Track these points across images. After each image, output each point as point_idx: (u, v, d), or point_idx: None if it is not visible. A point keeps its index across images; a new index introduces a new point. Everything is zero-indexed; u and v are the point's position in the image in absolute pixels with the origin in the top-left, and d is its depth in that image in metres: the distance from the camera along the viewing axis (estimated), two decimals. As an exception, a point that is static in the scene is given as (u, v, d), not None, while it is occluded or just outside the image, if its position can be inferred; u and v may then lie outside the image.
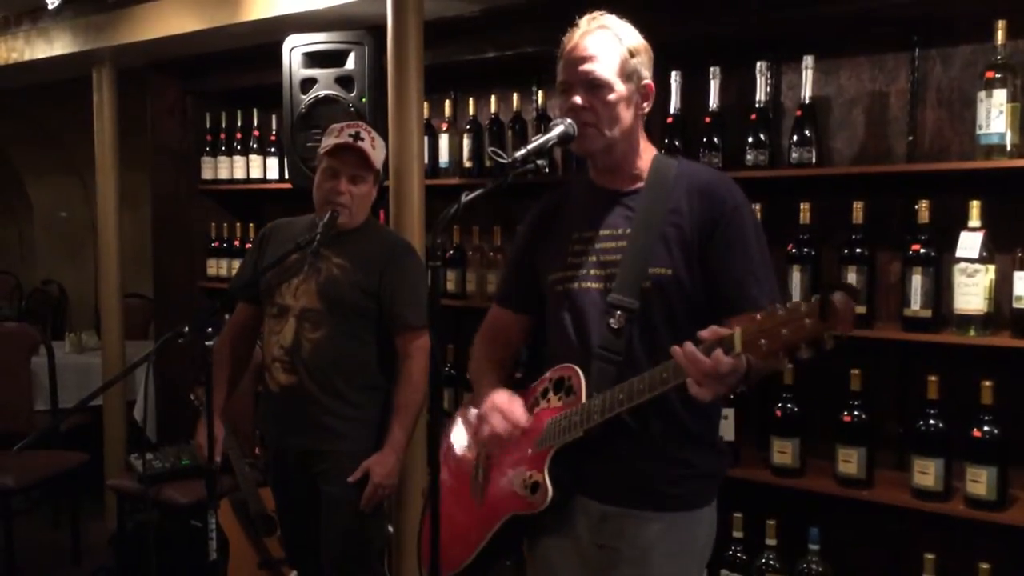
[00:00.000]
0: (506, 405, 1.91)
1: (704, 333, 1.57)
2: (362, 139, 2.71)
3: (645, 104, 1.92)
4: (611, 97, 1.85)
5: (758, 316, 1.48)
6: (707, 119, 3.12)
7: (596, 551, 1.93)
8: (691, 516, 1.91)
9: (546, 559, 2.00)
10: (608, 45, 1.86)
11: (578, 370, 1.87)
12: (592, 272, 1.91)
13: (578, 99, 1.85)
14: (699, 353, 1.55)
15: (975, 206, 2.63)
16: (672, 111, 3.18)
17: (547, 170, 1.87)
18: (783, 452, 2.94)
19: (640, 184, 1.92)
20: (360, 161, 2.72)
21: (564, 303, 1.94)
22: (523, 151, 1.77)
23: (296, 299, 2.72)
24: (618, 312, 1.84)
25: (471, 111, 3.81)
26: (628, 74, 1.87)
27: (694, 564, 1.95)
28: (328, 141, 2.73)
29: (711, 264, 1.84)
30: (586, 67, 1.84)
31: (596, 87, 1.85)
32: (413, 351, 2.72)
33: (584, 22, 1.90)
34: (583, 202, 2.00)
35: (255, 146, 4.58)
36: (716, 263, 1.83)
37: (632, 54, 1.87)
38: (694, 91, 3.18)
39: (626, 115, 1.88)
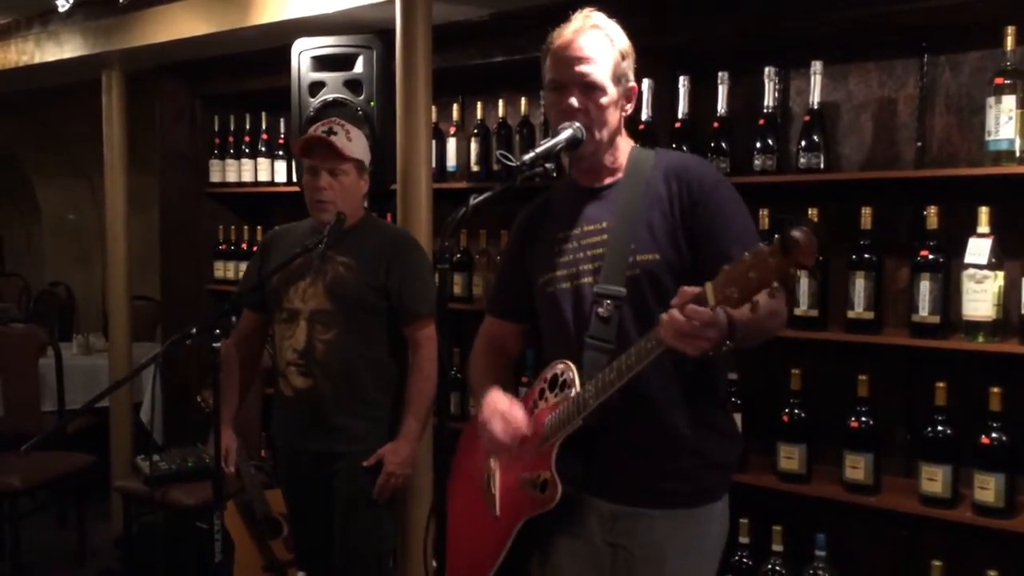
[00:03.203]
0: (506, 409, 1.90)
1: (675, 299, 1.57)
2: (335, 133, 2.71)
3: (628, 106, 1.94)
4: (604, 100, 1.86)
5: (726, 267, 1.49)
6: (715, 124, 3.12)
7: (609, 551, 1.92)
8: (703, 511, 1.91)
9: (557, 561, 1.99)
10: (603, 47, 1.86)
11: (569, 363, 1.88)
12: (579, 268, 1.92)
13: (574, 101, 1.85)
14: (676, 313, 1.55)
15: (984, 212, 2.63)
16: (680, 116, 3.17)
17: (555, 174, 1.88)
18: (790, 458, 2.94)
19: (619, 176, 1.94)
20: (330, 153, 2.70)
21: (554, 302, 1.95)
22: (531, 155, 1.77)
23: (305, 302, 2.73)
24: (606, 301, 1.85)
25: (479, 115, 3.81)
26: (618, 77, 1.88)
27: (708, 560, 1.95)
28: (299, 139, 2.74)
29: (697, 242, 1.84)
30: (582, 68, 1.85)
31: (591, 89, 1.85)
32: (422, 340, 2.73)
33: (578, 19, 1.89)
34: (565, 202, 2.02)
35: (263, 149, 4.60)
36: (702, 240, 1.84)
37: (623, 57, 1.89)
38: (702, 96, 3.18)
39: (614, 117, 1.90)
